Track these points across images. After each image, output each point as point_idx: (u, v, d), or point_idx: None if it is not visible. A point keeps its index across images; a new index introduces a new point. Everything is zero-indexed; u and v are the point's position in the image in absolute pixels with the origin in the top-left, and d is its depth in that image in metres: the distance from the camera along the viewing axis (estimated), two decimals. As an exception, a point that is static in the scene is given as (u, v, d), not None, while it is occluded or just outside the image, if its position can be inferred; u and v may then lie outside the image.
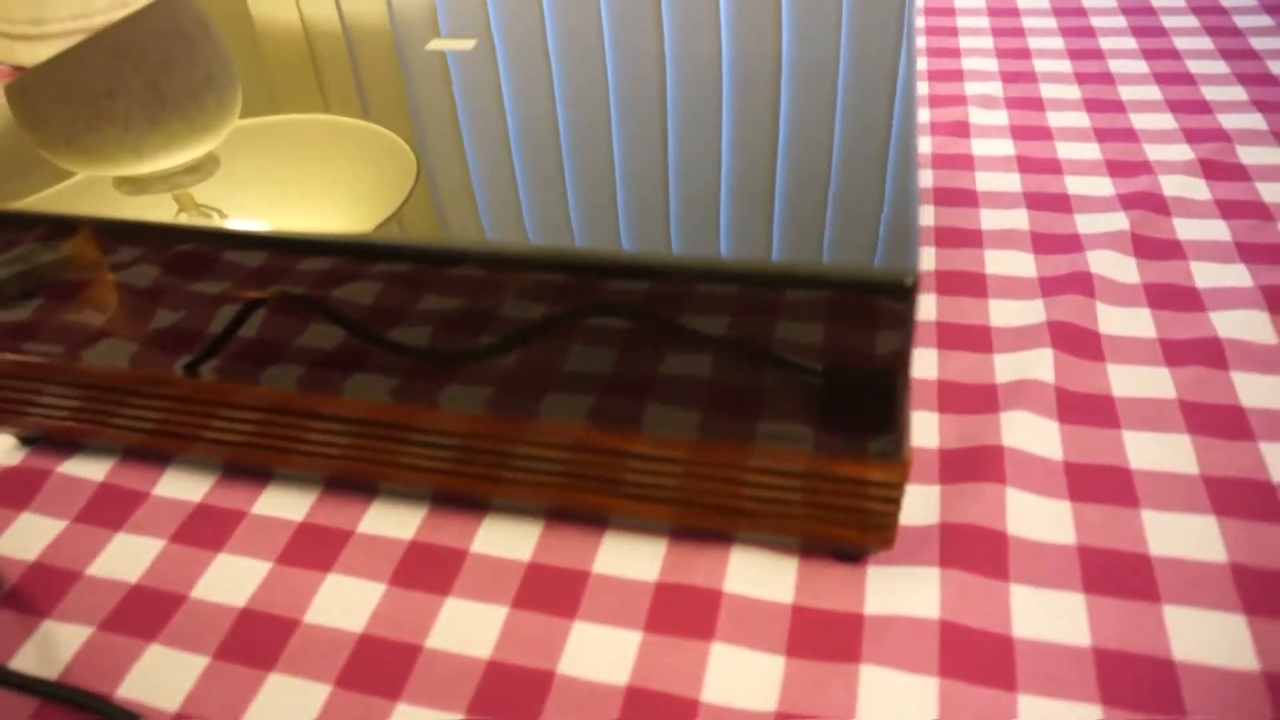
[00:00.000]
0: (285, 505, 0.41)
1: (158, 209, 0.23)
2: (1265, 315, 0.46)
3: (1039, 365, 0.44)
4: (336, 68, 0.30)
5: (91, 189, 0.24)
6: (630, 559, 0.38)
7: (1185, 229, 0.53)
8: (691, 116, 0.32)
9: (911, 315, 0.28)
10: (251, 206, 0.24)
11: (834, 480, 0.33)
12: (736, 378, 0.31)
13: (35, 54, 0.58)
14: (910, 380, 0.35)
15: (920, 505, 0.39)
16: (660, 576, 0.37)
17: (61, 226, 0.24)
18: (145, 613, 0.37)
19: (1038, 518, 0.38)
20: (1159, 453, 0.40)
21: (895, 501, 0.33)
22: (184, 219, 0.23)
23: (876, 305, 0.27)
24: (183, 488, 0.42)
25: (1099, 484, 0.39)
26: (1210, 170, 0.57)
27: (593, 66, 0.33)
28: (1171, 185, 0.56)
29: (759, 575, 0.37)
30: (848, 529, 0.35)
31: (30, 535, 0.40)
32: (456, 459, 0.37)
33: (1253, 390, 0.42)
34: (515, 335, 0.31)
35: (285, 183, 0.25)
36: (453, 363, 0.32)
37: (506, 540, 0.39)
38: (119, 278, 0.26)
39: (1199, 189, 0.56)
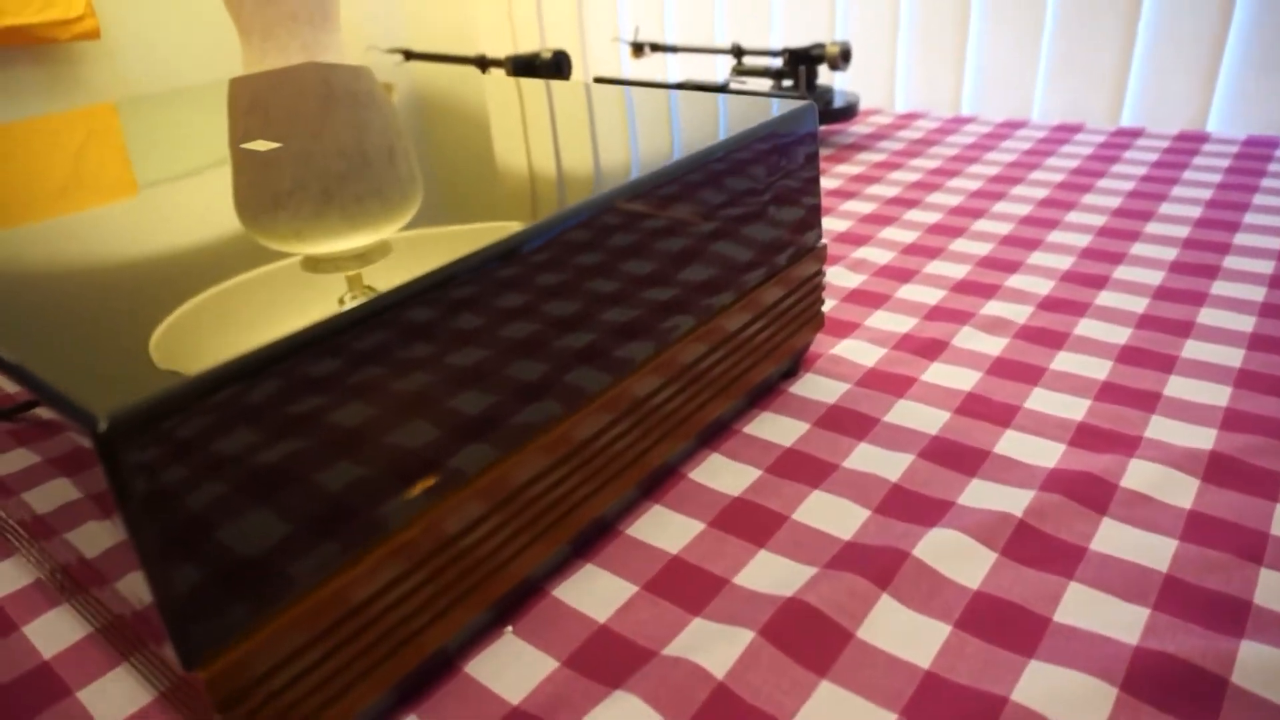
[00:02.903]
0: None
1: (331, 287, 0.27)
2: (1111, 693, 0.29)
3: (722, 650, 0.32)
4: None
5: (283, 274, 0.29)
6: (109, 704, 0.33)
7: (1108, 537, 0.36)
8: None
9: (119, 478, 0.21)
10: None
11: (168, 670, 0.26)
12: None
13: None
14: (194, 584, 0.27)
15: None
16: None
17: None
18: None
19: None
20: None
21: (219, 732, 0.25)
22: (347, 297, 0.27)
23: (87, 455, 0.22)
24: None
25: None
26: (1219, 470, 0.39)
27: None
28: (1141, 476, 0.39)
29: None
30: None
31: None
32: None
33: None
34: None
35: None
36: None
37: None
38: None
39: (1180, 490, 0.38)
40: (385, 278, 0.27)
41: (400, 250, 0.29)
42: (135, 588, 0.24)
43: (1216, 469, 0.40)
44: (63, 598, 0.36)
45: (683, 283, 0.38)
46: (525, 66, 0.96)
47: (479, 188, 0.35)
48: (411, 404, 0.28)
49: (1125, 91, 0.92)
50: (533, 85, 0.52)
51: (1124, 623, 0.32)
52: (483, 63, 1.03)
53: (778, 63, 1.08)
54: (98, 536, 0.26)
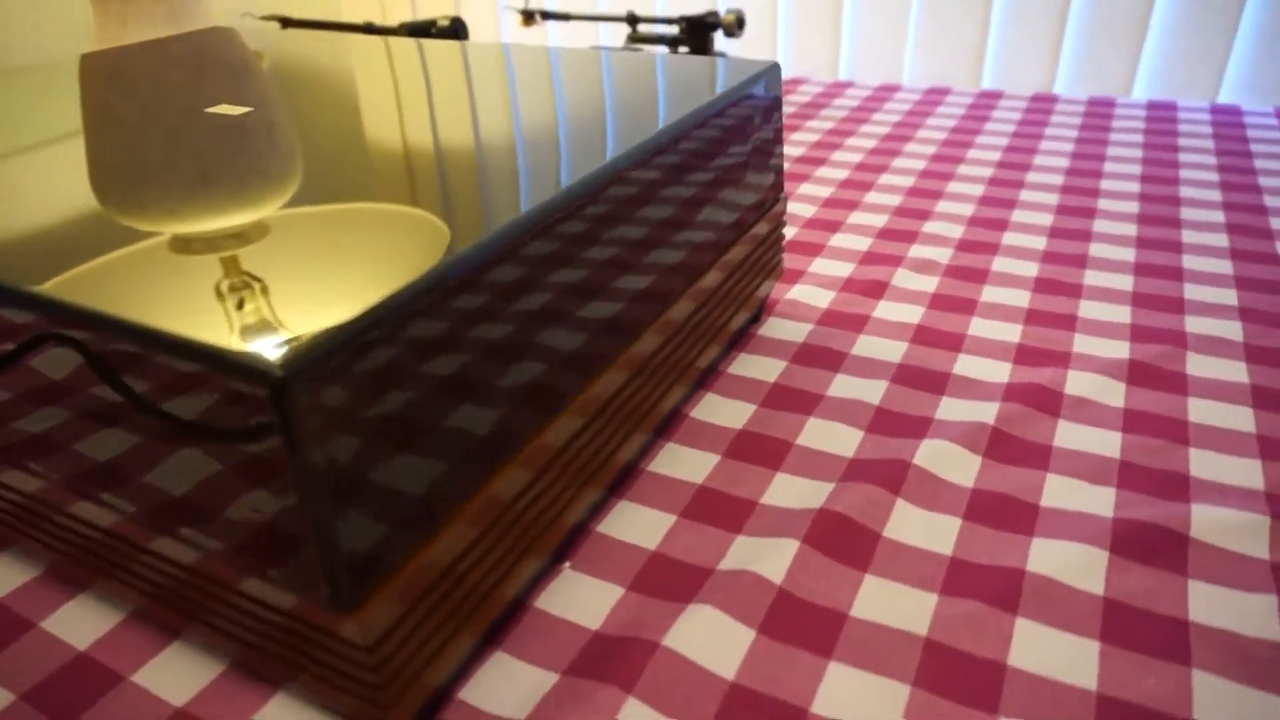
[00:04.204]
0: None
1: (203, 272, 0.26)
2: (1103, 556, 0.35)
3: (774, 559, 0.35)
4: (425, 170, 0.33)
5: (145, 256, 0.27)
6: (173, 681, 0.32)
7: (1066, 435, 0.42)
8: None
9: (292, 426, 0.22)
10: (285, 274, 0.26)
11: (287, 618, 0.27)
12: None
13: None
14: (358, 519, 0.28)
15: (520, 697, 0.31)
16: (187, 704, 0.31)
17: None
18: None
19: (644, 747, 0.29)
20: (860, 705, 0.30)
21: (364, 665, 0.26)
22: (223, 284, 0.25)
23: (248, 399, 0.22)
24: None
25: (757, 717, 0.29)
26: (1138, 375, 0.46)
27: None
28: (1080, 383, 0.46)
29: (282, 732, 0.30)
30: (339, 692, 0.28)
31: None
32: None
33: (1031, 654, 0.31)
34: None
35: (322, 256, 0.27)
36: None
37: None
38: None
39: (1112, 393, 0.45)
40: (265, 258, 0.26)
41: (280, 230, 0.28)
42: (262, 537, 0.25)
43: (1136, 374, 0.47)
44: (93, 579, 0.34)
45: (678, 246, 0.41)
46: (419, 33, 0.94)
47: (384, 164, 0.35)
48: (476, 381, 0.29)
49: (985, 57, 1.01)
50: (445, 49, 0.52)
51: (1098, 501, 0.38)
52: (370, 30, 1.00)
53: (674, 30, 1.11)
54: (180, 485, 0.26)
